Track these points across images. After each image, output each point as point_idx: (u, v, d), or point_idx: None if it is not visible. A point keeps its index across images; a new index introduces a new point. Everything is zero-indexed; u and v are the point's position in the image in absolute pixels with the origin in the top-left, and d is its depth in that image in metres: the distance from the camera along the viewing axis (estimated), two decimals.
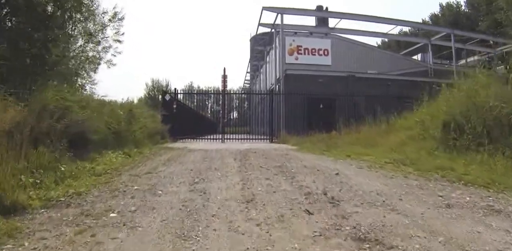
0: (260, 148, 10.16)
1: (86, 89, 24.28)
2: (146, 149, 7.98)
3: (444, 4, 54.84)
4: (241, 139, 15.38)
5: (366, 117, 15.60)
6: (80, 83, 23.57)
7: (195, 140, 15.54)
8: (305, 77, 20.48)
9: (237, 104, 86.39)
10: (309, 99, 18.51)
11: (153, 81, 34.32)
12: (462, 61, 34.51)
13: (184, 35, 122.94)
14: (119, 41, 14.98)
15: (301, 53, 24.04)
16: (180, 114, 16.16)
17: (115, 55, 15.25)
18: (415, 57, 31.49)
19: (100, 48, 15.13)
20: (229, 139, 15.33)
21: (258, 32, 28.09)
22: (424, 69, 28.42)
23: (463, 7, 53.42)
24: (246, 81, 48.96)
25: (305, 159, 7.14)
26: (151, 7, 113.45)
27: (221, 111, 15.46)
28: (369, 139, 11.34)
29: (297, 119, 16.67)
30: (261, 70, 34.41)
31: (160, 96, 20.21)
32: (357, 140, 11.71)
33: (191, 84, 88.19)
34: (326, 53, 24.65)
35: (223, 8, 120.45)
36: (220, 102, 14.82)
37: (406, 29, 41.17)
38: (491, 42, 32.08)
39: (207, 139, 15.61)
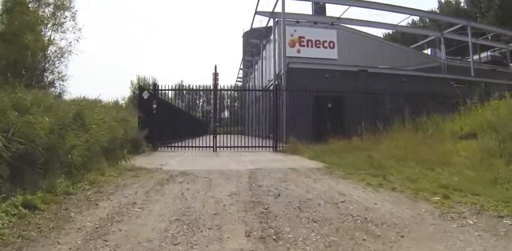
0: (272, 167, 6.88)
1: (55, 86, 21.11)
2: (82, 182, 4.66)
3: (443, 1, 52.35)
4: (237, 146, 12.08)
5: (393, 118, 12.77)
6: (49, 80, 20.40)
7: (180, 149, 12.21)
8: (310, 72, 17.29)
9: (229, 103, 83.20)
10: (316, 97, 15.39)
11: (138, 78, 30.96)
12: (474, 57, 31.89)
13: (173, 32, 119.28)
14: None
15: (303, 45, 20.85)
16: (163, 116, 12.90)
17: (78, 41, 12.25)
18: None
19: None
20: (222, 147, 12.02)
21: (254, 25, 24.81)
22: (436, 64, 25.44)
23: (462, 4, 51.04)
24: (238, 79, 45.65)
25: (375, 209, 3.89)
26: (140, 4, 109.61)
27: (212, 111, 12.02)
28: (418, 151, 8.20)
29: (302, 121, 13.47)
30: (256, 66, 31.12)
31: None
32: (399, 151, 8.54)
33: (181, 83, 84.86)
34: (331, 45, 21.51)
35: (213, 3, 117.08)
36: (211, 101, 11.32)
37: (409, 21, 38.51)
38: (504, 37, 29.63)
39: (195, 147, 12.25)
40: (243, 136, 13.41)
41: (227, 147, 12.03)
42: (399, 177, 5.66)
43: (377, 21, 23.75)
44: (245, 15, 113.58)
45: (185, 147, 12.14)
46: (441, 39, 26.66)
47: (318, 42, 21.13)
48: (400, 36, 40.16)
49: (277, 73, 20.01)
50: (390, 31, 40.80)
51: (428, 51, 28.87)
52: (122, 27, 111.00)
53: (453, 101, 15.26)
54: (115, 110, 10.43)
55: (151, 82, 31.58)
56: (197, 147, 12.16)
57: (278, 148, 12.25)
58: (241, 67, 39.71)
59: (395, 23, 25.33)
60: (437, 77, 20.90)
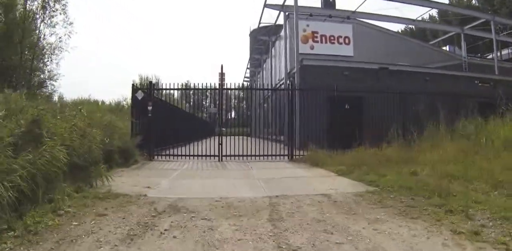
0: (297, 194, 5.00)
1: (46, 86, 19.43)
2: (9, 231, 2.89)
3: None
4: (246, 155, 10.19)
5: (426, 122, 11.03)
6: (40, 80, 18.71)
7: (180, 158, 10.37)
8: (326, 70, 15.43)
9: (236, 103, 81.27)
10: (332, 97, 13.54)
11: (141, 78, 29.18)
12: (492, 55, 29.84)
13: (176, 31, 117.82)
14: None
15: (317, 41, 19.00)
16: (161, 118, 11.16)
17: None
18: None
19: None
20: (229, 156, 10.15)
21: (262, 21, 22.95)
22: (456, 62, 23.44)
23: (473, 1, 48.87)
24: (245, 79, 43.82)
25: None
26: (146, 5, 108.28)
27: (217, 113, 10.21)
28: (481, 166, 6.33)
29: (316, 123, 11.55)
30: (265, 65, 29.27)
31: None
32: (453, 166, 6.67)
33: (188, 83, 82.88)
34: (347, 41, 19.63)
35: (220, 2, 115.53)
36: (217, 102, 9.37)
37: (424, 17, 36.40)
38: None
39: (198, 156, 10.37)
40: (250, 138, 11.57)
41: (234, 156, 10.18)
42: (488, 213, 3.79)
43: (395, 16, 21.80)
44: (253, 12, 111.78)
45: (186, 155, 10.29)
46: (461, 36, 24.64)
47: (332, 38, 19.27)
48: (409, 33, 38.05)
49: (288, 71, 18.17)
50: (402, 28, 38.72)
51: (446, 48, 26.92)
52: (123, 26, 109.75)
53: (483, 102, 13.53)
54: (99, 113, 8.64)
55: (154, 81, 30.00)
56: (199, 156, 10.30)
57: (294, 157, 10.40)
58: (248, 66, 37.88)
59: (413, 18, 23.39)
60: (461, 76, 18.95)
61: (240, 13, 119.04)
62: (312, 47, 18.55)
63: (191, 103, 19.55)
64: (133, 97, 10.50)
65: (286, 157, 10.45)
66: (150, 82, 10.63)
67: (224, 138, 10.43)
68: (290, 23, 18.55)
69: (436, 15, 40.50)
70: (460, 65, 23.34)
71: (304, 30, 18.43)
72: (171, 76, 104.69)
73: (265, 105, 18.16)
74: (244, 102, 21.57)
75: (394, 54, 20.45)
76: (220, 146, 10.15)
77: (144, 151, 10.25)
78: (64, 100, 37.18)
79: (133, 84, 10.56)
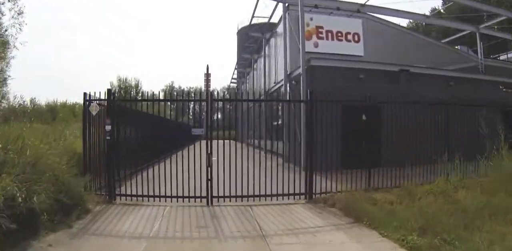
0: None
1: None
2: None
3: None
4: (247, 196, 6.98)
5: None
6: None
7: (153, 200, 7.03)
8: (338, 72, 12.39)
9: (224, 110, 77.18)
10: (346, 107, 10.60)
11: (119, 80, 25.69)
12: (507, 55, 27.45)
13: (165, 29, 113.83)
14: None
15: (322, 38, 15.93)
16: (129, 134, 7.97)
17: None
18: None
19: None
20: (222, 197, 6.91)
21: (256, 14, 19.76)
22: (472, 64, 20.72)
23: None
24: (233, 80, 40.62)
25: None
26: (137, 3, 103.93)
27: (204, 131, 6.73)
28: None
29: (325, 138, 8.34)
30: (255, 65, 26.09)
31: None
32: None
33: (172, 84, 79.27)
34: (356, 38, 16.62)
35: None
36: (204, 117, 5.78)
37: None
38: None
39: (178, 198, 6.97)
40: (237, 144, 8.34)
41: (229, 197, 6.93)
42: None
43: (408, 11, 18.91)
44: (242, 7, 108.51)
45: (161, 197, 6.94)
46: (477, 35, 21.96)
47: (340, 34, 16.24)
48: (423, 30, 35.45)
49: (288, 73, 15.04)
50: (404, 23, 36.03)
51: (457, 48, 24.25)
52: (114, 24, 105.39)
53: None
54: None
55: (133, 84, 26.44)
56: (181, 197, 6.96)
57: (314, 196, 7.29)
58: (236, 67, 34.63)
59: (426, 14, 20.58)
60: (483, 80, 16.19)
61: (228, 10, 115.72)
62: (316, 45, 15.48)
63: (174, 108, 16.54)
64: (85, 112, 7.21)
65: (302, 196, 7.30)
66: (109, 91, 7.22)
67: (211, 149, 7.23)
68: (291, 16, 15.44)
69: (443, 11, 37.91)
70: (475, 68, 20.63)
71: (308, 25, 15.34)
72: (158, 75, 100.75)
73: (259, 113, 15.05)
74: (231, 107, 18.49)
75: (407, 54, 17.57)
76: (210, 182, 6.90)
77: (102, 190, 7.05)
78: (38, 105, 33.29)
79: (85, 94, 7.24)
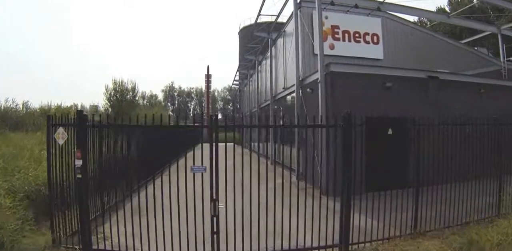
0: None
1: None
2: None
3: None
4: None
5: None
6: None
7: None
8: (362, 79, 10.59)
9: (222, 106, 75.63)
10: (368, 120, 8.84)
11: (115, 83, 23.84)
12: None
13: (164, 28, 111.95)
14: None
15: (338, 39, 14.11)
16: (108, 160, 6.18)
17: None
18: None
19: None
20: None
21: (263, 12, 17.91)
22: (495, 68, 18.92)
23: (475, 0, 44.90)
24: (235, 82, 38.79)
25: None
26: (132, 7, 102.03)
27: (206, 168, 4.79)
28: None
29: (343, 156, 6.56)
30: (260, 68, 24.26)
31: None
32: None
33: (172, 84, 77.36)
34: (375, 39, 14.82)
35: None
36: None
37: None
38: None
39: None
40: (242, 151, 6.54)
41: None
42: None
43: (429, 10, 17.13)
44: (246, 5, 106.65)
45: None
46: (499, 36, 20.13)
47: (357, 35, 14.42)
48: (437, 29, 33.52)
49: (301, 79, 13.25)
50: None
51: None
52: (113, 23, 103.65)
53: None
54: None
55: (129, 87, 24.59)
56: None
57: (351, 247, 5.51)
58: (238, 68, 32.79)
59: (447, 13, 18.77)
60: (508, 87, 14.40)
61: (230, 7, 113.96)
62: (332, 47, 13.68)
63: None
64: (50, 138, 5.40)
65: (336, 250, 5.51)
66: (79, 113, 5.30)
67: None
68: (304, 13, 13.65)
69: (448, 9, 36.11)
70: (497, 72, 18.82)
71: (322, 24, 13.54)
72: (156, 76, 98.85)
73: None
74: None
75: (427, 57, 15.81)
76: (216, 235, 5.07)
77: (75, 239, 5.28)
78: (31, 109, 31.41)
79: (49, 116, 5.42)
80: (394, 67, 11.78)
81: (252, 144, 16.25)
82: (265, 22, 21.46)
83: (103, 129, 5.52)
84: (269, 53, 20.09)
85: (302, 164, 8.94)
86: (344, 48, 13.88)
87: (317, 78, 10.76)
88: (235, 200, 5.05)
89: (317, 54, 13.23)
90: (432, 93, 11.81)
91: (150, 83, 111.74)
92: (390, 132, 10.99)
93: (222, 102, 76.62)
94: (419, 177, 6.56)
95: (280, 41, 17.84)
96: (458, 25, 20.35)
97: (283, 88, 16.03)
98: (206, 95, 49.03)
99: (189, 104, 76.50)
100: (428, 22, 32.89)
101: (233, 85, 43.39)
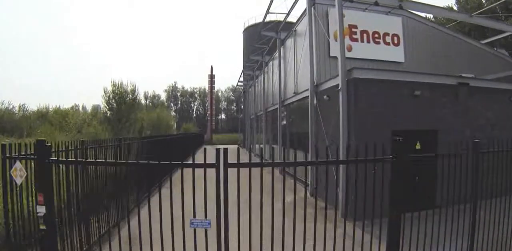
0: None
1: None
2: None
3: None
4: None
5: None
6: None
7: None
8: (385, 86, 9.23)
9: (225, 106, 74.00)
10: (394, 133, 7.67)
11: (114, 85, 22.46)
12: None
13: (166, 28, 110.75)
14: None
15: (356, 39, 12.74)
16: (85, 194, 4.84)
17: None
18: None
19: None
20: None
21: (272, 10, 16.53)
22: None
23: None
24: (239, 83, 37.44)
25: None
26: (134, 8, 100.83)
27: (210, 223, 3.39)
28: None
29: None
30: (266, 69, 22.91)
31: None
32: None
33: (175, 84, 75.85)
34: (396, 41, 13.44)
35: None
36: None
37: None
38: None
39: None
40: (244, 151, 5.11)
41: None
42: None
43: (451, 8, 15.68)
44: (247, 3, 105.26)
45: None
46: None
47: (377, 35, 13.02)
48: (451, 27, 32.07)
49: (315, 84, 11.91)
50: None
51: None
52: (112, 23, 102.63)
53: None
54: None
55: (129, 89, 23.22)
56: None
57: None
58: (244, 69, 31.43)
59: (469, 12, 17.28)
60: None
61: (233, 5, 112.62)
62: (349, 48, 12.30)
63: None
64: (4, 171, 4.06)
65: None
66: (40, 143, 3.86)
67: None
68: (318, 10, 12.28)
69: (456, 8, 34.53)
70: None
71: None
72: (159, 76, 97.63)
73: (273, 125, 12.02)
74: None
75: (451, 60, 14.44)
76: None
77: None
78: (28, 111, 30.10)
79: (3, 146, 4.04)
80: (423, 72, 10.39)
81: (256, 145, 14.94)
82: (273, 21, 20.11)
83: (72, 164, 4.17)
84: (277, 54, 18.74)
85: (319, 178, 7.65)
86: (363, 50, 12.50)
87: (337, 85, 9.40)
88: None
89: (333, 57, 11.93)
90: (462, 101, 10.46)
91: (153, 83, 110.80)
92: (418, 146, 9.62)
93: (225, 103, 75.24)
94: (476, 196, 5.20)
95: (289, 41, 16.48)
96: (480, 24, 18.84)
97: (294, 93, 14.66)
98: (210, 96, 47.78)
99: (192, 105, 75.22)
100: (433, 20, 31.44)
101: (237, 86, 42.03)
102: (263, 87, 23.02)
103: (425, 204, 5.75)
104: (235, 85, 69.95)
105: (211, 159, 3.62)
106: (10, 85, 74.68)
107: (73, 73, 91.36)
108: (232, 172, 3.70)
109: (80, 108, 51.59)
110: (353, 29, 12.61)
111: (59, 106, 31.27)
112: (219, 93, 72.80)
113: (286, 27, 17.57)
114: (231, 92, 73.22)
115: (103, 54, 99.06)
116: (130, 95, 23.20)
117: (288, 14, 15.51)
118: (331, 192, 8.34)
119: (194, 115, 74.09)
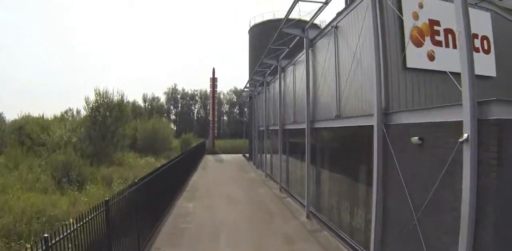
0: None
1: None
2: None
3: None
4: None
5: None
6: None
7: None
8: None
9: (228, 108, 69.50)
10: None
11: (98, 93, 18.37)
12: None
13: (168, 30, 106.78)
14: None
15: (439, 43, 8.49)
16: None
17: None
18: None
19: None
20: None
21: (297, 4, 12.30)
22: None
23: None
24: (246, 89, 33.25)
25: None
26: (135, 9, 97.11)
27: None
28: None
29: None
30: (284, 74, 18.70)
31: None
32: None
33: (175, 86, 71.29)
34: (485, 45, 9.29)
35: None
36: None
37: None
38: None
39: None
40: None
41: None
42: None
43: None
44: (245, 6, 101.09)
45: None
46: None
47: None
48: None
49: (384, 111, 7.72)
50: None
51: None
52: (112, 24, 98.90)
53: None
54: None
55: (116, 99, 19.02)
56: None
57: None
58: (253, 74, 27.16)
59: None
60: None
61: (230, 7, 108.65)
62: (431, 57, 8.13)
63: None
64: None
65: None
66: None
67: None
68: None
69: None
70: None
71: (416, 17, 8.06)
72: (159, 77, 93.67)
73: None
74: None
75: None
76: None
77: None
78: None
79: None
80: None
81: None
82: (293, 19, 15.74)
83: None
84: (301, 56, 14.57)
85: None
86: (448, 59, 8.27)
87: (440, 123, 5.22)
88: None
89: (410, 68, 7.80)
90: None
91: (152, 84, 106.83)
92: None
93: (228, 106, 70.81)
94: None
95: (323, 42, 12.29)
96: None
97: (336, 116, 10.36)
98: (212, 101, 43.59)
99: (192, 108, 70.95)
100: None
101: (243, 91, 37.86)
102: (279, 98, 18.82)
103: None
104: (237, 86, 65.69)
105: None
106: (10, 86, 70.91)
107: (73, 73, 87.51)
108: None
109: (75, 112, 47.33)
110: (435, 27, 8.39)
111: (43, 115, 27.09)
112: (221, 96, 68.47)
113: (312, 26, 13.53)
114: (233, 95, 69.09)
115: (103, 54, 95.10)
116: (117, 107, 18.88)
117: (326, 3, 11.25)
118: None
119: (195, 118, 69.86)
